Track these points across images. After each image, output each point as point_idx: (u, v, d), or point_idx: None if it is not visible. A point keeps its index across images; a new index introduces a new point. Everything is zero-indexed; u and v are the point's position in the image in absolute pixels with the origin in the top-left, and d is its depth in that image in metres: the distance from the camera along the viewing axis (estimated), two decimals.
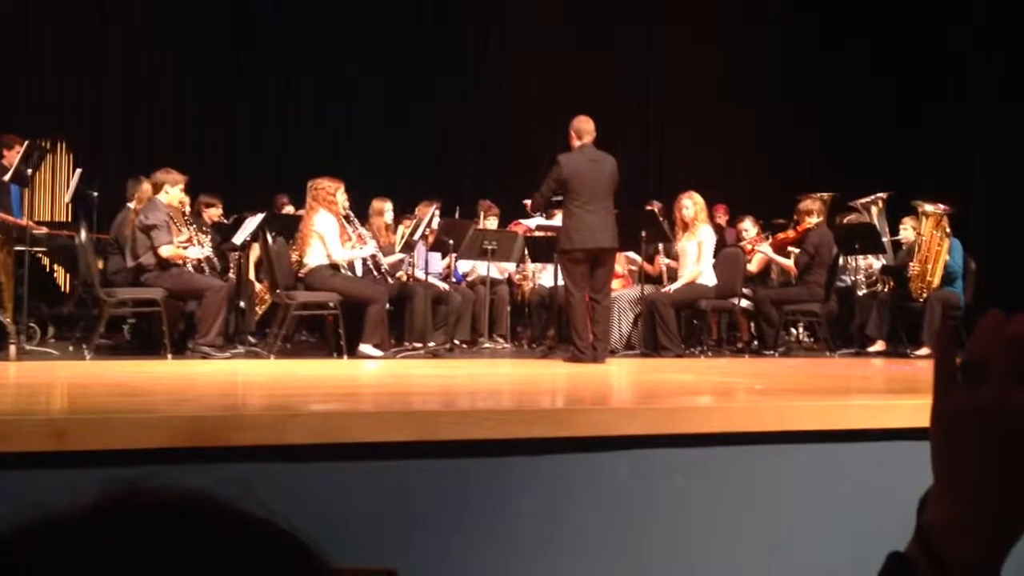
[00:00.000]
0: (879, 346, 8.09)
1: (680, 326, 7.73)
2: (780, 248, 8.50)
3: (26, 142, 6.92)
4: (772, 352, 7.85)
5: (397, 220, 8.44)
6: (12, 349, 5.89)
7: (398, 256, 7.89)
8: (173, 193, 6.78)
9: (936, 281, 8.02)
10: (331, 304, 6.78)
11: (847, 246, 8.23)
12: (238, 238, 7.24)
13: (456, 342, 7.84)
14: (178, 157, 9.14)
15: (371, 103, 11.46)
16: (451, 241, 7.58)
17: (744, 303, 8.19)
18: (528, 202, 7.89)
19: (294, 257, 7.24)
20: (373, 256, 7.37)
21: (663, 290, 7.80)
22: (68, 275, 8.93)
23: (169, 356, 6.19)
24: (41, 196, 10.28)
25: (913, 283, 8.10)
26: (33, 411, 3.02)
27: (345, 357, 6.57)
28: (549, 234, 7.76)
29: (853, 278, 8.77)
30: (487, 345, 8.14)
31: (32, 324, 7.15)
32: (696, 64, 12.24)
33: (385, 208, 8.16)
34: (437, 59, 12.00)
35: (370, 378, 5.24)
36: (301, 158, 11.16)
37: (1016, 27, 10.03)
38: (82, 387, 4.18)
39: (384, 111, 11.49)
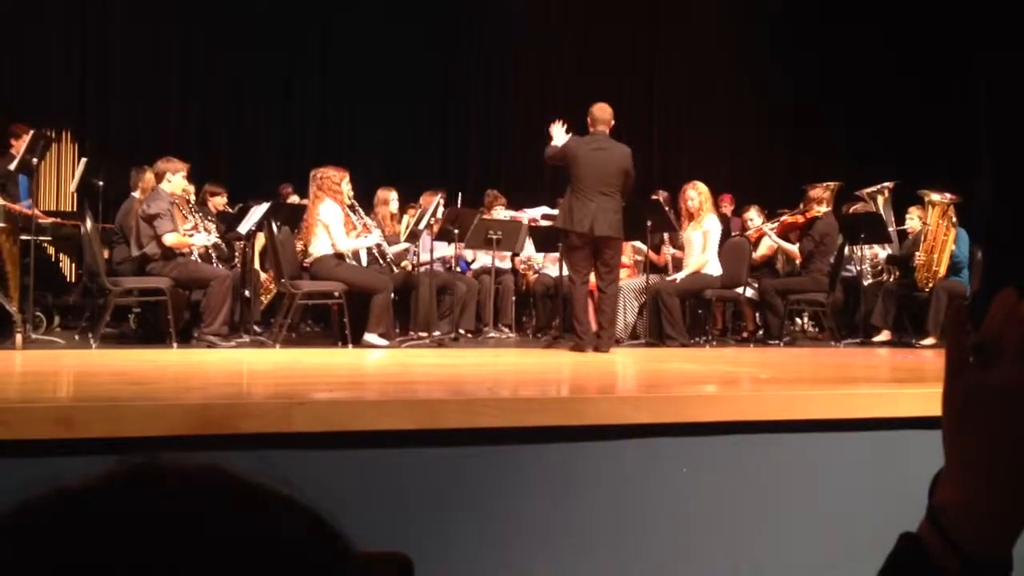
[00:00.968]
0: (884, 336, 8.08)
1: (685, 315, 7.73)
2: (785, 233, 8.47)
3: (32, 131, 6.92)
4: (777, 342, 7.85)
5: (402, 209, 8.44)
6: (18, 338, 5.90)
7: (403, 245, 7.89)
8: (176, 181, 6.77)
9: (942, 271, 8.00)
10: (336, 293, 6.77)
11: (853, 235, 8.21)
12: (243, 227, 7.24)
13: (461, 331, 7.84)
14: (183, 146, 9.14)
15: (376, 92, 11.45)
16: (456, 230, 7.58)
17: (749, 292, 8.20)
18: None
19: (299, 246, 7.25)
20: (378, 245, 7.37)
21: (668, 279, 7.79)
22: (74, 264, 8.94)
23: (175, 345, 6.20)
24: (47, 186, 10.29)
25: (919, 273, 8.08)
26: (40, 398, 3.02)
27: (350, 346, 6.57)
28: (553, 224, 7.74)
29: (859, 267, 8.75)
30: (492, 334, 8.15)
31: (38, 313, 7.17)
32: (701, 55, 12.21)
33: (390, 197, 8.16)
34: (442, 48, 11.98)
35: (375, 367, 5.24)
36: (306, 147, 11.16)
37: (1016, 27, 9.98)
38: (89, 375, 4.18)
39: (389, 101, 11.47)
